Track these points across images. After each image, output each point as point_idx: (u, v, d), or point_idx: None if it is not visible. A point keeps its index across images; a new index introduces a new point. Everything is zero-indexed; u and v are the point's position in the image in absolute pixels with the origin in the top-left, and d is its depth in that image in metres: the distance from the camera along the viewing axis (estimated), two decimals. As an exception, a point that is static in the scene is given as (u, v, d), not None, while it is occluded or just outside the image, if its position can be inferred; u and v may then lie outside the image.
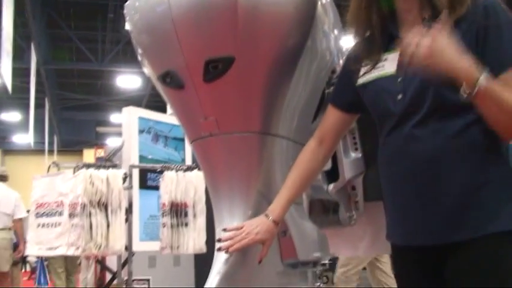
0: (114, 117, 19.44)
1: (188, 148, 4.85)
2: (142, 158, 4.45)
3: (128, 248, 3.96)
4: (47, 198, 3.67)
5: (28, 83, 12.60)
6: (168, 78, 1.86)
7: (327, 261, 2.21)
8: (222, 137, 1.88)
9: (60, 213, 3.55)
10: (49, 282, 9.96)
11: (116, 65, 15.18)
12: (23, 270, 12.94)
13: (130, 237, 4.00)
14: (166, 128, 4.78)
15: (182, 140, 4.85)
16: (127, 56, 14.59)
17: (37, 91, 13.28)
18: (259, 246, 1.76)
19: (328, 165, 2.23)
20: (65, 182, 3.59)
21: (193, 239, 3.71)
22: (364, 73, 1.67)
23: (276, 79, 1.88)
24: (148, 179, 4.43)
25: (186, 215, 3.72)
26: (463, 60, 1.37)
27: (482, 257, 1.47)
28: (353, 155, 2.30)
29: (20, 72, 12.28)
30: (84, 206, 3.37)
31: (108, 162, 3.97)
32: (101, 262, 5.44)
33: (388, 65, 1.62)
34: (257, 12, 1.76)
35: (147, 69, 2.01)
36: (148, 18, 1.85)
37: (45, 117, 16.22)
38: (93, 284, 6.88)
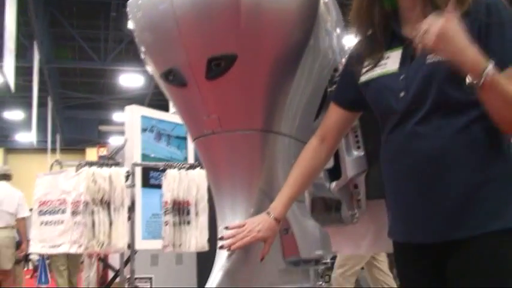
0: (116, 116, 19.48)
1: (191, 147, 4.85)
2: (145, 157, 4.45)
3: (131, 246, 3.97)
4: (50, 196, 3.67)
5: (31, 81, 12.64)
6: (171, 76, 1.86)
7: (329, 260, 2.21)
8: (224, 134, 1.88)
9: (63, 211, 3.55)
10: (50, 281, 9.98)
11: (119, 64, 15.21)
12: (26, 269, 12.96)
13: (133, 235, 4.00)
14: (169, 126, 4.78)
15: (185, 138, 4.85)
16: (130, 55, 14.61)
17: (40, 90, 13.32)
18: (261, 243, 1.77)
19: (331, 163, 2.23)
20: (68, 180, 3.59)
21: (196, 237, 3.71)
22: (367, 71, 1.67)
23: (279, 77, 1.88)
24: (150, 178, 4.44)
25: (188, 213, 3.72)
26: (470, 48, 1.37)
27: (483, 255, 1.47)
28: (355, 153, 2.30)
29: (22, 71, 12.32)
30: (86, 204, 3.37)
31: (110, 160, 3.97)
32: (103, 260, 5.45)
33: (391, 62, 1.62)
34: (260, 10, 1.76)
35: (150, 68, 2.02)
36: (151, 16, 1.85)
37: (48, 116, 16.27)
38: (96, 283, 6.87)
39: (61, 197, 3.61)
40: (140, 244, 4.18)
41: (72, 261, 6.80)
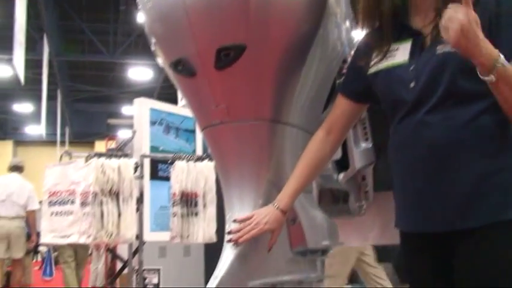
0: (125, 109, 19.52)
1: (199, 140, 4.87)
2: (153, 149, 4.47)
3: (139, 237, 3.99)
4: (60, 187, 3.69)
5: (40, 74, 12.69)
6: (180, 65, 1.87)
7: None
8: (232, 124, 1.89)
9: (72, 202, 3.57)
10: (54, 274, 10.06)
11: (128, 57, 15.23)
12: (34, 260, 13.06)
13: (141, 226, 4.02)
14: (177, 119, 4.79)
15: (193, 131, 4.86)
16: (139, 48, 14.64)
17: (49, 83, 13.37)
18: (269, 234, 1.78)
19: (339, 155, 2.24)
20: (77, 170, 3.61)
21: (203, 229, 3.72)
22: (376, 62, 1.68)
23: (287, 68, 1.88)
24: (159, 170, 4.46)
25: (196, 204, 3.73)
26: (484, 41, 1.37)
27: (493, 244, 1.47)
28: (363, 145, 2.31)
29: (32, 64, 12.36)
30: (95, 195, 3.39)
31: (119, 151, 3.99)
32: (111, 251, 5.48)
33: (400, 54, 1.63)
34: (269, 1, 1.77)
35: (160, 58, 2.03)
36: (161, 6, 1.86)
37: (57, 109, 16.34)
38: (104, 275, 6.92)
39: (70, 188, 3.63)
40: (148, 236, 4.20)
41: (80, 254, 6.84)
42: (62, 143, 18.13)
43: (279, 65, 1.86)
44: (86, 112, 20.88)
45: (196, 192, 3.75)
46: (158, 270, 5.12)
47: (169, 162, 3.93)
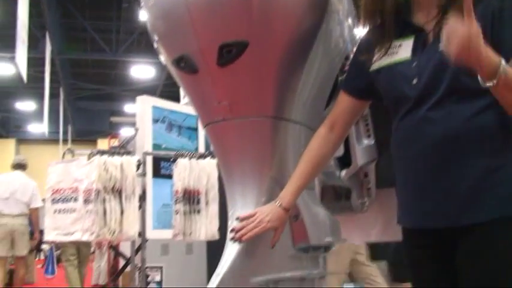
0: (128, 107, 19.55)
1: (202, 137, 4.88)
2: (156, 147, 4.47)
3: (142, 234, 4.00)
4: (62, 184, 3.70)
5: (43, 72, 12.70)
6: (183, 62, 1.87)
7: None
8: (235, 121, 1.89)
9: (75, 199, 3.58)
10: (56, 272, 10.08)
11: (130, 55, 15.27)
12: (37, 259, 13.09)
13: (144, 224, 4.03)
14: (180, 117, 4.80)
15: (196, 129, 4.87)
16: (141, 46, 14.66)
17: (52, 81, 13.40)
18: (271, 231, 1.79)
19: (341, 152, 2.24)
20: (80, 168, 3.62)
21: (206, 226, 3.73)
22: (378, 59, 1.68)
23: (290, 64, 1.88)
24: (161, 168, 4.46)
25: (198, 202, 3.74)
26: (485, 50, 1.36)
27: (496, 239, 1.47)
28: (366, 141, 2.31)
29: (34, 62, 12.37)
30: (98, 192, 3.39)
31: (122, 149, 4.00)
32: (114, 248, 5.49)
33: (403, 50, 1.63)
34: (271, -3, 1.77)
35: (162, 56, 2.03)
36: (163, 4, 1.86)
37: (60, 107, 16.35)
38: (107, 272, 6.94)
39: (73, 185, 3.64)
40: (151, 233, 4.21)
41: (83, 252, 6.86)
42: (65, 141, 18.17)
43: (281, 61, 1.86)
44: (89, 110, 20.91)
45: (199, 189, 3.75)
46: (161, 268, 5.13)
47: (171, 160, 3.94)
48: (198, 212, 3.74)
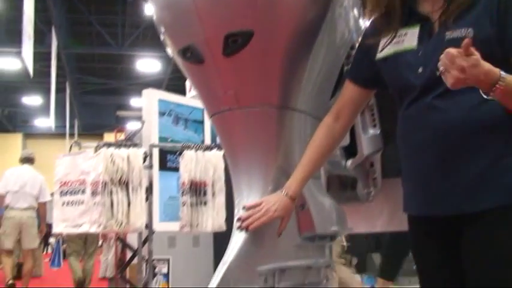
0: (134, 101, 19.58)
1: (208, 130, 4.89)
2: (162, 140, 4.48)
3: (149, 226, 4.01)
4: (70, 177, 3.72)
5: (49, 67, 12.74)
6: (189, 53, 1.88)
7: (345, 244, 2.23)
8: (241, 111, 1.90)
9: (83, 191, 3.60)
10: (62, 264, 10.14)
11: (136, 49, 15.27)
12: (45, 252, 13.17)
13: (151, 216, 4.05)
14: (186, 110, 4.80)
15: (202, 122, 4.88)
16: (147, 40, 14.66)
17: (58, 75, 13.43)
18: (278, 219, 1.80)
19: (347, 141, 2.25)
20: (87, 160, 3.63)
21: (212, 218, 3.74)
22: (384, 48, 1.68)
23: (295, 54, 1.89)
24: (168, 161, 4.48)
25: (205, 193, 3.75)
26: (483, 68, 1.35)
27: (502, 227, 1.48)
28: (371, 131, 2.32)
29: (40, 57, 12.41)
30: (105, 184, 3.41)
31: (128, 141, 4.01)
32: (122, 240, 5.51)
33: (408, 39, 1.63)
34: (276, -14, 1.77)
35: (169, 46, 2.04)
36: (169, -6, 1.87)
37: (66, 101, 16.40)
38: (114, 265, 6.96)
39: (80, 178, 3.66)
40: (157, 226, 4.22)
41: (89, 245, 6.91)
42: (71, 135, 18.22)
43: (286, 51, 1.87)
44: (95, 104, 20.96)
45: (205, 181, 3.76)
46: (168, 260, 5.15)
47: (178, 153, 3.95)
48: (205, 203, 3.75)
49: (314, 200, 2.01)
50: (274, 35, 1.83)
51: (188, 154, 3.76)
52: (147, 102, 4.56)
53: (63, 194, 3.76)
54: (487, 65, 1.35)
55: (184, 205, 3.72)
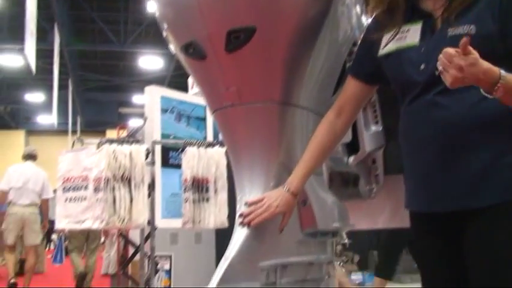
0: (136, 98, 19.60)
1: (210, 127, 4.89)
2: (164, 137, 4.49)
3: (151, 222, 4.02)
4: (73, 173, 3.72)
5: (51, 64, 12.77)
6: (191, 49, 1.88)
7: (346, 241, 2.23)
8: (243, 107, 1.90)
9: (86, 188, 3.60)
10: (64, 260, 10.15)
11: (138, 46, 15.28)
12: (47, 249, 13.18)
13: (153, 212, 4.05)
14: (188, 107, 4.81)
15: (204, 119, 4.88)
16: (149, 37, 14.67)
17: (60, 72, 13.46)
18: (280, 215, 1.80)
19: (349, 138, 2.25)
20: (89, 157, 3.63)
21: (215, 214, 3.74)
22: (386, 44, 1.68)
23: (297, 50, 1.89)
24: (170, 158, 4.48)
25: (207, 190, 3.74)
26: (482, 66, 1.35)
27: (504, 223, 1.48)
28: (373, 128, 2.32)
29: (43, 54, 12.44)
30: (107, 181, 3.41)
31: (131, 138, 4.01)
32: (124, 237, 5.52)
33: (411, 36, 1.63)
34: (279, -18, 1.77)
35: (171, 43, 2.04)
36: (172, -10, 1.87)
37: (69, 98, 16.43)
38: (116, 261, 6.98)
39: (83, 174, 3.66)
40: (160, 222, 4.23)
41: (91, 241, 6.92)
42: (74, 132, 18.25)
43: (289, 47, 1.87)
44: (97, 101, 20.97)
45: (208, 178, 3.76)
46: (170, 256, 5.15)
47: (180, 149, 3.95)
48: (207, 200, 3.75)
49: (316, 196, 2.01)
50: (276, 31, 1.83)
51: (190, 151, 3.76)
52: (150, 99, 4.57)
53: (65, 190, 3.75)
54: (485, 64, 1.35)
55: (186, 202, 3.72)
